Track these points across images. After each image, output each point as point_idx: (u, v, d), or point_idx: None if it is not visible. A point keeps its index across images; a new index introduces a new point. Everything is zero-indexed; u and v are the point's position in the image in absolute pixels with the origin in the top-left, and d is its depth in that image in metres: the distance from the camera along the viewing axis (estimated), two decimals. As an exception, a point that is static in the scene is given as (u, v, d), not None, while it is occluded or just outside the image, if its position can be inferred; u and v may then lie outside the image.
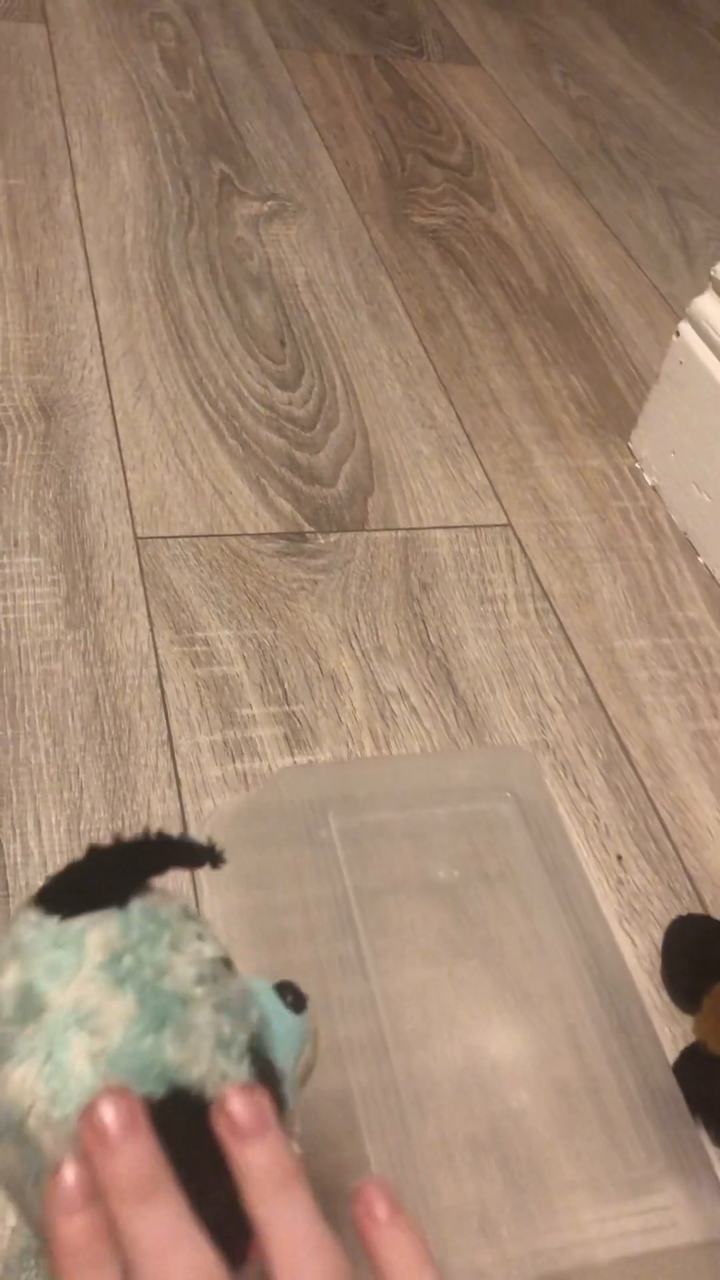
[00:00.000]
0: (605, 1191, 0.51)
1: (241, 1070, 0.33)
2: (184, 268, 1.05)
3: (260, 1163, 0.30)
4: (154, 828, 0.36)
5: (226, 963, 0.36)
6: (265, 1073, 0.35)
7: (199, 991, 0.34)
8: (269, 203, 1.16)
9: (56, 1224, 0.29)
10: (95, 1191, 0.29)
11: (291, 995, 0.38)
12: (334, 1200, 0.47)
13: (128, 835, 0.36)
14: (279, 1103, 0.35)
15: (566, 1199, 0.50)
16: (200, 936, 0.36)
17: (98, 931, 0.34)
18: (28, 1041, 0.32)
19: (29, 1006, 0.33)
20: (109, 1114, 0.29)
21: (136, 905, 0.35)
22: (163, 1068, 0.32)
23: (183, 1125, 0.31)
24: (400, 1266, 0.30)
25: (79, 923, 0.34)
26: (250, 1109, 0.31)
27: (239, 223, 1.12)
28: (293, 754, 0.69)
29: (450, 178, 1.27)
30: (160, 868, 0.36)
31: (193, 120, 1.25)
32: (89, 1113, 0.29)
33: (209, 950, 0.35)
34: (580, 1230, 0.49)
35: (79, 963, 0.33)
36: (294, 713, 0.71)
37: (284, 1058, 0.37)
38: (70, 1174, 0.29)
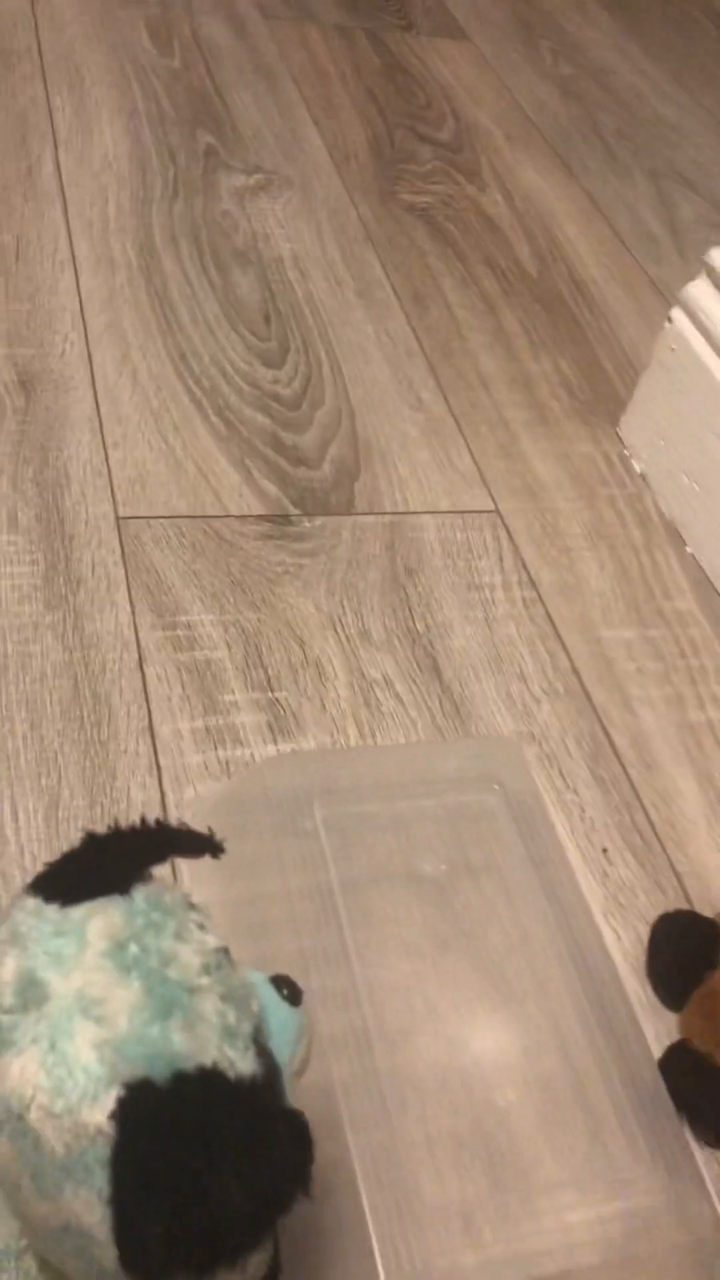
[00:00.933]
0: (590, 1191, 0.50)
1: (248, 1060, 0.33)
2: (168, 241, 1.03)
3: None
4: (146, 816, 0.36)
5: (227, 953, 0.36)
6: (269, 1064, 0.34)
7: (204, 981, 0.33)
8: (255, 176, 1.14)
9: None
10: None
11: (288, 988, 0.38)
12: (313, 1198, 0.46)
13: (125, 823, 0.36)
14: (282, 1091, 0.34)
15: (551, 1199, 0.50)
16: (203, 926, 0.35)
17: (101, 919, 0.33)
18: (29, 1031, 0.31)
19: (30, 995, 0.32)
20: None
21: (140, 893, 0.34)
22: (170, 1057, 0.31)
23: (203, 1101, 0.30)
24: None
25: (80, 910, 0.33)
26: None
27: (225, 196, 1.10)
28: (276, 742, 0.68)
29: (440, 155, 1.25)
30: (161, 856, 0.36)
31: (178, 90, 1.22)
32: None
33: (212, 940, 0.35)
34: (565, 1232, 0.49)
35: (82, 950, 0.32)
36: (277, 700, 0.70)
37: (281, 1050, 0.36)
38: None
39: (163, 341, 0.93)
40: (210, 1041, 0.32)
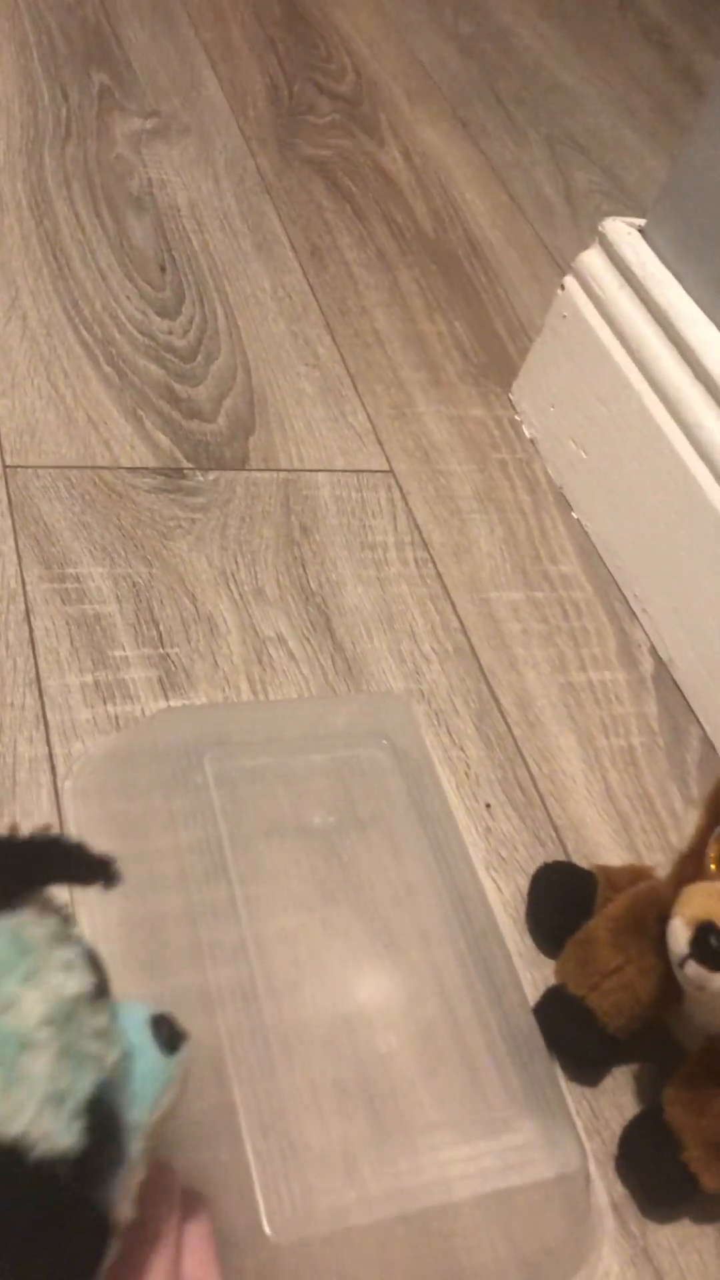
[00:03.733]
0: (466, 1131, 0.52)
1: (71, 1131, 0.30)
2: (60, 183, 1.00)
3: None
4: (48, 827, 0.32)
5: (96, 993, 0.32)
6: (100, 1132, 0.31)
7: (43, 1035, 0.30)
8: (151, 120, 1.11)
9: None
10: None
11: (167, 1031, 0.35)
12: (198, 1149, 0.47)
13: (20, 833, 0.33)
14: (117, 1157, 0.32)
15: (429, 1139, 0.52)
16: (69, 967, 0.32)
17: None
18: None
19: None
20: None
21: (4, 925, 0.31)
22: None
23: None
24: None
25: None
26: None
27: (119, 139, 1.08)
28: (167, 697, 0.68)
29: (339, 108, 1.24)
30: (46, 880, 0.33)
31: (71, 24, 1.18)
32: None
33: (72, 985, 0.32)
34: (441, 1169, 0.51)
35: None
36: (169, 655, 0.70)
37: (139, 1100, 0.34)
38: None
39: (54, 286, 0.90)
40: (27, 1109, 0.29)
